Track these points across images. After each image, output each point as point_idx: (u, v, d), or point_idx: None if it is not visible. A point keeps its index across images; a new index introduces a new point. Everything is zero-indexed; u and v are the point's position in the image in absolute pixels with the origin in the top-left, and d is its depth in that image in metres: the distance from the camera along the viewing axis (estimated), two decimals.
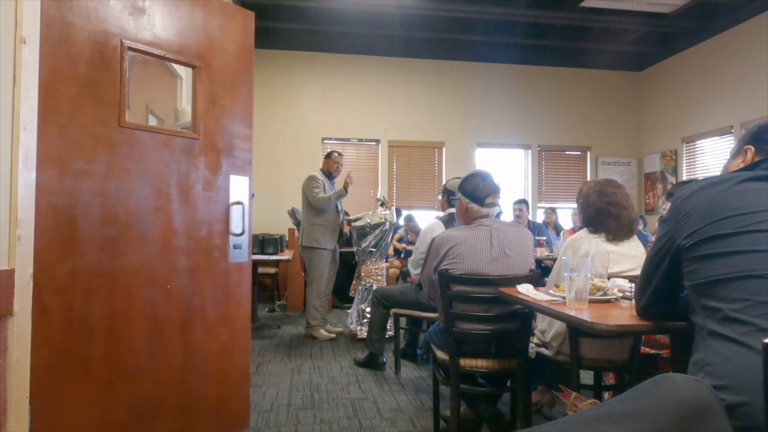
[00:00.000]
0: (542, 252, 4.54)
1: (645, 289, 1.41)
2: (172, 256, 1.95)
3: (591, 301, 1.73)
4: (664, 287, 1.35)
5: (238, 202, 2.15)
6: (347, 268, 5.98)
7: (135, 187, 1.84)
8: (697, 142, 7.02)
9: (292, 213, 5.49)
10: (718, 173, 1.39)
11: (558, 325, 2.17)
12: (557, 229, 6.34)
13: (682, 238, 1.23)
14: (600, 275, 1.90)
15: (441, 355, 2.39)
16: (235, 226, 2.15)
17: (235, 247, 2.16)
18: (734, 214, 1.16)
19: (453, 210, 3.25)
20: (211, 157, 2.08)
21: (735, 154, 1.40)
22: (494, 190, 2.38)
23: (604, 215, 2.20)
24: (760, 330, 1.03)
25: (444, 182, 4.85)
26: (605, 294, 1.80)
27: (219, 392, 2.11)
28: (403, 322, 3.91)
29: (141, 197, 1.86)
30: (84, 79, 1.72)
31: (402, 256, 6.05)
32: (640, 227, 5.53)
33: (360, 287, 4.56)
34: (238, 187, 2.17)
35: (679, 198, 1.28)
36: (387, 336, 3.90)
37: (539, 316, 2.35)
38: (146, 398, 1.85)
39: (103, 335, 1.75)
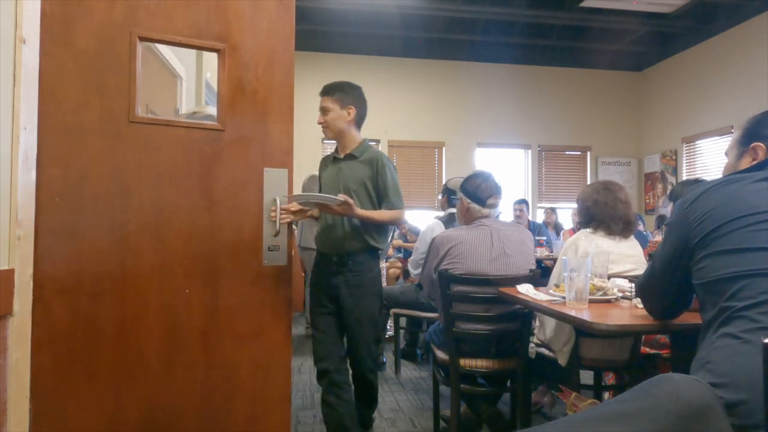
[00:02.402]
0: (542, 252, 4.54)
1: (664, 297, 1.39)
2: (191, 258, 1.81)
3: (591, 301, 1.73)
4: (685, 289, 1.34)
5: (273, 199, 1.93)
6: None
7: (148, 185, 1.76)
8: (697, 142, 7.02)
9: None
10: (718, 173, 1.39)
11: (569, 329, 2.14)
12: (557, 229, 6.34)
13: (698, 239, 1.22)
14: (600, 275, 1.90)
15: (441, 355, 2.39)
16: (269, 224, 1.94)
17: (270, 248, 1.94)
18: (749, 213, 1.16)
19: (453, 210, 3.25)
20: (238, 150, 1.90)
21: (742, 153, 1.38)
22: (496, 191, 2.38)
23: (600, 205, 2.23)
24: (763, 328, 1.03)
25: (444, 182, 4.85)
26: (605, 294, 1.80)
27: (250, 413, 1.90)
28: (403, 322, 3.91)
29: (155, 195, 1.77)
30: (90, 74, 1.68)
31: (401, 255, 6.04)
32: (640, 227, 5.52)
33: None
34: (274, 181, 1.94)
35: (688, 200, 1.27)
36: (387, 336, 3.90)
37: (539, 321, 2.35)
38: (160, 409, 1.76)
39: (112, 339, 1.69)
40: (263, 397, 1.93)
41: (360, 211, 2.11)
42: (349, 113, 2.27)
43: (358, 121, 2.33)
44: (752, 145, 1.34)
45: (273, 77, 1.97)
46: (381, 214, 2.21)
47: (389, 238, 2.23)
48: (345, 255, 2.21)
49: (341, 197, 1.98)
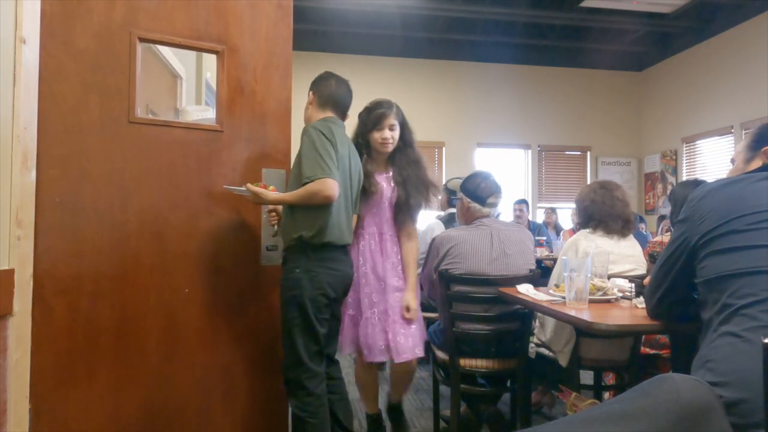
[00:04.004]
0: (542, 252, 4.54)
1: (658, 289, 1.40)
2: (190, 258, 1.83)
3: (591, 301, 1.73)
4: (677, 287, 1.35)
5: None
6: None
7: (147, 185, 1.76)
8: (697, 142, 7.02)
9: None
10: (718, 173, 1.40)
11: (569, 330, 2.14)
12: (557, 229, 6.33)
13: (699, 236, 1.23)
14: (600, 275, 1.90)
15: (441, 355, 2.39)
16: (267, 225, 1.96)
17: (269, 248, 1.96)
18: (750, 212, 1.18)
19: (453, 210, 3.25)
20: (237, 151, 1.91)
21: (752, 157, 1.41)
22: (496, 190, 2.38)
23: (597, 204, 2.24)
24: (764, 326, 1.04)
25: (444, 182, 4.85)
26: (605, 294, 1.80)
27: (248, 410, 1.91)
28: None
29: (154, 196, 1.77)
30: (90, 74, 1.68)
31: None
32: (641, 227, 5.52)
33: None
34: (273, 182, 1.93)
35: (695, 198, 1.29)
36: None
37: (539, 322, 2.34)
38: (159, 408, 1.76)
39: (112, 339, 1.69)
40: (261, 396, 1.94)
41: (271, 197, 1.80)
42: (309, 98, 2.06)
43: (321, 102, 2.01)
44: (765, 148, 1.37)
45: (271, 78, 1.99)
46: (293, 194, 1.80)
47: (323, 224, 1.84)
48: (284, 252, 1.94)
49: (246, 187, 1.79)
